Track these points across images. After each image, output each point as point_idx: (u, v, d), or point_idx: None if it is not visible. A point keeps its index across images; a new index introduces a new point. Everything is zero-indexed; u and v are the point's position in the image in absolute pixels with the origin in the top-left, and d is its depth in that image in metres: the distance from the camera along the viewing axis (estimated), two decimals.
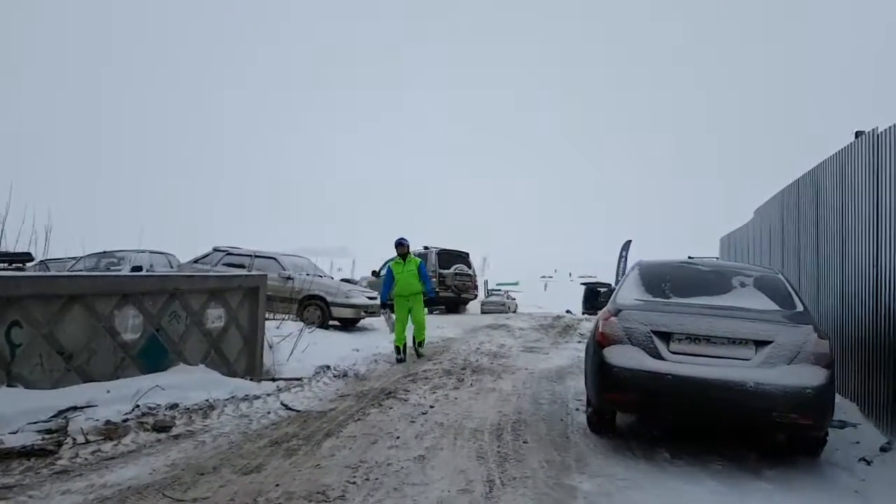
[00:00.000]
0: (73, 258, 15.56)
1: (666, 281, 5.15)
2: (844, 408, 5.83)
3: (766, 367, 4.23)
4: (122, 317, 6.15)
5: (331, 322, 11.67)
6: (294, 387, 6.96)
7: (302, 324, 9.80)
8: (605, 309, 5.04)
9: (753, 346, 4.32)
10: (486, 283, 53.13)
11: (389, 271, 9.19)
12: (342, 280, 18.19)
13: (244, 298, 7.53)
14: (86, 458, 4.47)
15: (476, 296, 21.71)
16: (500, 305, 34.71)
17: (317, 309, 11.35)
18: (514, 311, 33.26)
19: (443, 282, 18.42)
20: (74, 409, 5.35)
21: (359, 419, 5.55)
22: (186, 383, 6.38)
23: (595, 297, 25.67)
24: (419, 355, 9.20)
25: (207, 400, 6.07)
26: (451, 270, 18.61)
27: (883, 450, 4.67)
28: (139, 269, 13.46)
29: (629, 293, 5.05)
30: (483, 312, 29.92)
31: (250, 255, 12.09)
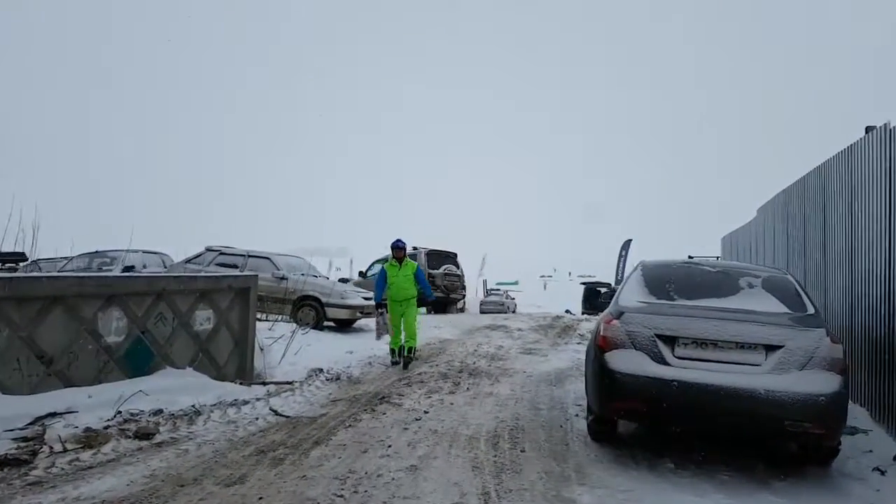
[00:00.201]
0: (66, 258, 15.35)
1: (670, 282, 4.93)
2: (854, 413, 5.61)
3: (777, 373, 4.02)
4: (105, 319, 5.94)
5: (326, 323, 11.46)
6: (285, 391, 6.74)
7: (295, 325, 9.58)
8: (606, 311, 4.82)
9: (763, 350, 4.10)
10: (484, 282, 52.86)
11: (383, 272, 8.84)
12: (339, 280, 17.99)
13: (234, 299, 7.32)
14: (62, 468, 4.26)
15: (464, 296, 21.84)
16: (499, 305, 34.52)
17: (311, 310, 11.14)
18: (514, 311, 33.07)
19: (433, 282, 18.34)
20: (53, 415, 5.14)
21: (350, 426, 5.33)
22: (173, 387, 6.16)
23: (595, 296, 25.48)
24: (410, 361, 8.64)
25: (194, 405, 5.86)
26: (441, 271, 18.49)
27: None
28: (131, 268, 13.24)
29: (632, 295, 4.83)
30: (482, 312, 29.73)
31: (244, 255, 11.87)
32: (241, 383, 6.99)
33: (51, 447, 4.61)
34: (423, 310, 15.61)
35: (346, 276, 27.29)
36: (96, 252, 14.37)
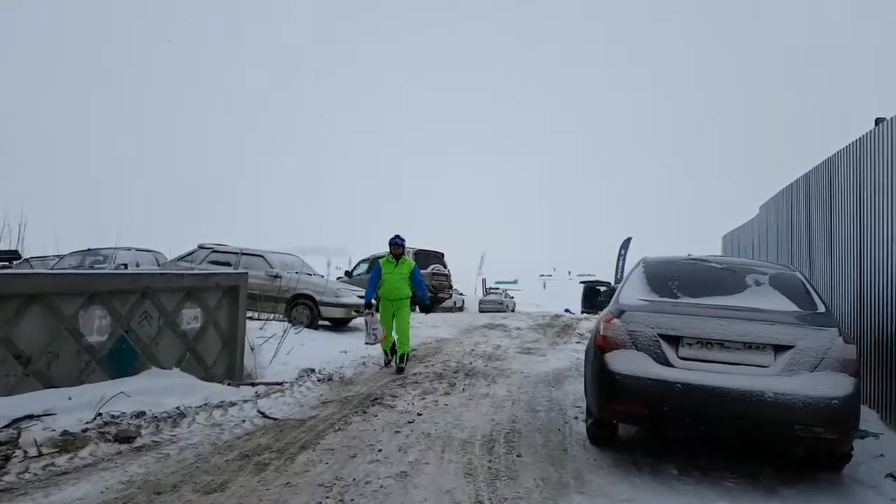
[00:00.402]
0: (58, 256, 15.15)
1: (673, 279, 4.70)
2: (863, 415, 5.38)
3: (787, 374, 3.80)
4: (87, 318, 5.73)
5: (321, 322, 11.25)
6: (274, 392, 6.53)
7: (287, 324, 9.36)
8: (606, 310, 4.60)
9: (772, 351, 3.89)
10: (483, 281, 52.69)
11: (378, 269, 8.28)
12: (338, 278, 17.82)
13: (223, 298, 7.10)
14: (35, 474, 4.05)
15: (451, 295, 22.13)
16: (498, 304, 34.35)
17: (305, 308, 10.93)
18: (513, 310, 32.90)
19: None
20: (30, 417, 4.93)
21: (339, 429, 5.12)
22: (158, 388, 5.95)
23: (594, 295, 25.30)
24: (400, 370, 7.97)
25: (178, 407, 5.65)
26: (429, 270, 18.38)
27: None
28: (124, 266, 13.03)
29: (633, 293, 4.60)
30: (481, 311, 29.56)
31: (236, 253, 11.65)
32: (229, 384, 6.78)
33: (25, 451, 4.40)
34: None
35: (341, 275, 27.22)
36: (88, 250, 14.16)
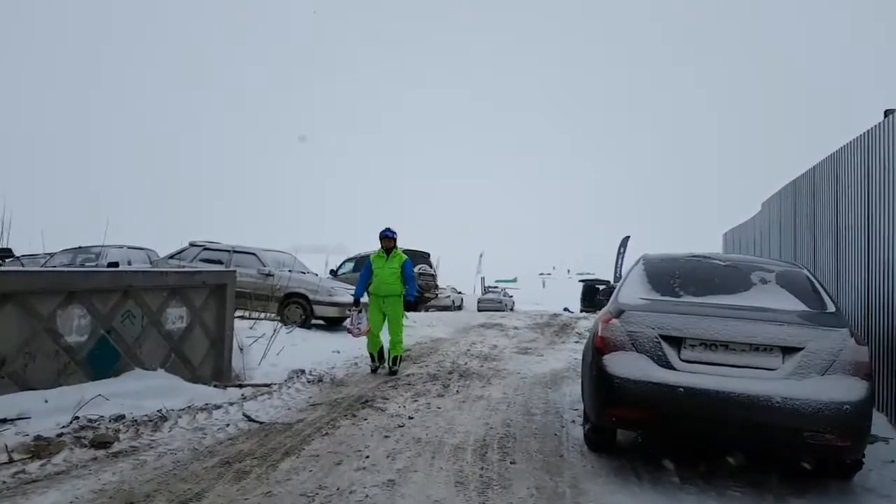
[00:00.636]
0: (49, 254, 14.93)
1: (675, 277, 4.48)
2: (873, 419, 5.20)
3: (796, 378, 3.59)
4: (65, 317, 5.51)
5: (314, 321, 11.04)
6: (262, 394, 6.32)
7: (278, 324, 9.14)
8: (604, 309, 4.37)
9: (780, 353, 3.67)
10: (482, 279, 52.49)
11: (368, 265, 7.86)
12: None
13: (210, 297, 6.88)
14: (3, 482, 3.83)
15: (437, 295, 22.41)
16: (496, 303, 34.20)
17: (298, 307, 10.71)
18: (512, 309, 32.72)
19: None
20: (3, 421, 4.73)
21: (326, 433, 4.91)
22: (140, 391, 5.74)
23: (594, 293, 25.07)
24: (392, 372, 7.62)
25: (160, 410, 5.43)
26: (416, 270, 18.32)
27: None
28: (115, 265, 12.83)
29: (633, 291, 4.38)
30: (479, 310, 29.38)
31: (228, 251, 11.43)
32: (215, 386, 6.57)
33: None
34: None
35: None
36: (79, 248, 13.95)
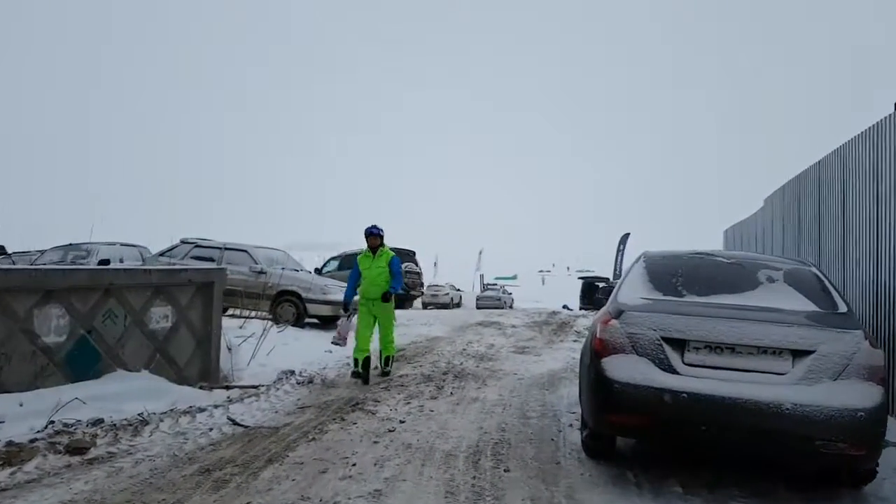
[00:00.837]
0: (41, 251, 14.73)
1: (678, 275, 4.26)
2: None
3: (807, 383, 3.38)
4: (43, 317, 5.30)
5: (308, 320, 10.83)
6: (249, 396, 6.11)
7: (268, 322, 8.92)
8: (603, 310, 4.15)
9: (790, 356, 3.46)
10: (481, 277, 52.29)
11: (356, 266, 7.41)
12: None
13: (196, 295, 6.66)
14: None
15: (423, 293, 22.65)
16: (495, 300, 34.02)
17: (291, 306, 10.49)
18: (511, 307, 32.52)
19: None
20: None
21: (313, 438, 4.69)
22: (122, 393, 5.54)
23: (593, 291, 24.84)
24: (385, 373, 7.37)
25: (141, 414, 5.22)
26: (403, 269, 18.19)
27: None
28: (107, 262, 12.61)
29: (633, 291, 4.16)
30: (478, 308, 29.19)
31: (220, 248, 11.21)
32: (201, 387, 6.36)
33: None
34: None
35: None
36: (70, 244, 13.73)
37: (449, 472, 3.96)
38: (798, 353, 3.44)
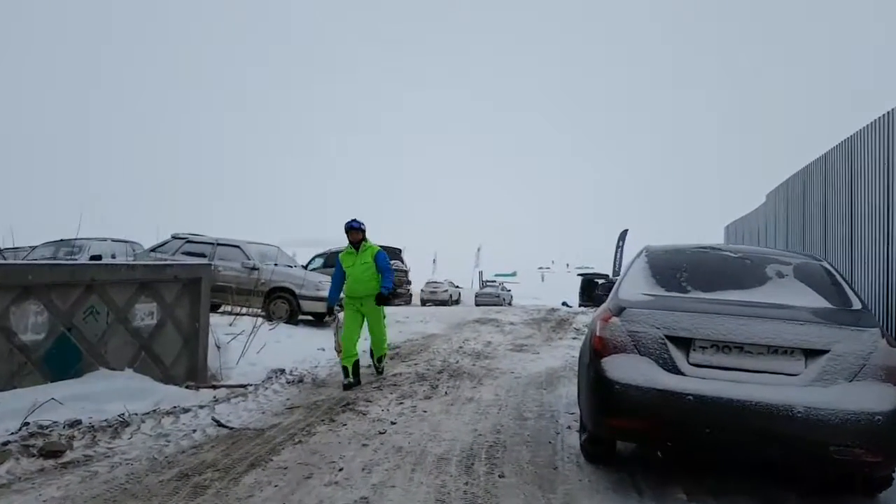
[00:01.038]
0: (32, 247, 14.49)
1: (682, 270, 4.04)
2: None
3: (821, 385, 3.17)
4: (20, 314, 5.10)
5: (301, 317, 10.62)
6: (236, 396, 5.91)
7: (258, 319, 8.70)
8: (603, 306, 3.94)
9: (803, 356, 3.25)
10: (480, 273, 52.08)
11: (339, 265, 6.89)
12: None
13: (182, 292, 6.45)
14: None
15: (409, 291, 22.62)
16: (494, 297, 33.84)
17: (284, 302, 10.28)
18: (510, 304, 32.34)
19: None
20: None
21: (300, 441, 4.49)
22: (103, 393, 5.33)
23: (592, 287, 24.63)
24: (379, 372, 7.08)
25: (122, 414, 5.02)
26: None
27: None
28: (98, 258, 12.39)
29: (635, 286, 3.94)
30: (477, 305, 29.00)
31: (212, 243, 10.99)
32: (188, 387, 6.16)
33: None
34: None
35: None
36: (61, 240, 13.50)
37: (440, 478, 3.76)
38: (811, 353, 3.23)
